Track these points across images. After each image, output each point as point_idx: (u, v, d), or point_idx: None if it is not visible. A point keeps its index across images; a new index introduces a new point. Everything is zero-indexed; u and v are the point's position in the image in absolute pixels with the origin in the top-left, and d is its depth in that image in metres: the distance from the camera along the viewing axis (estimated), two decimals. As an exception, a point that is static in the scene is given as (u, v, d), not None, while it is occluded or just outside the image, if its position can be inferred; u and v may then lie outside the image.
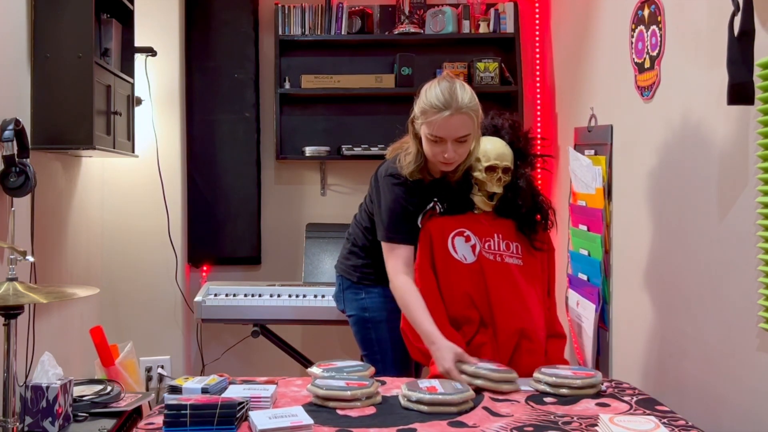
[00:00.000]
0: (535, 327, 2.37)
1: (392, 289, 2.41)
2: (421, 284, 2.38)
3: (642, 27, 2.47)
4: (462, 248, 2.41)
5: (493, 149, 2.44)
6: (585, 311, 2.91)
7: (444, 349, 2.22)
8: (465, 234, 2.42)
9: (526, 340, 2.34)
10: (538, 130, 3.82)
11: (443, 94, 2.28)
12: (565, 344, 2.54)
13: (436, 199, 2.51)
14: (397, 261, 2.40)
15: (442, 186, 2.50)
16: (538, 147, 2.55)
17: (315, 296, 3.26)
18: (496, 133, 2.53)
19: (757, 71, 1.73)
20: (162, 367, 3.51)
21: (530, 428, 1.80)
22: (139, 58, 3.31)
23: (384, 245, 2.46)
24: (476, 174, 2.44)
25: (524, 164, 2.51)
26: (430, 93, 2.31)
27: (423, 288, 2.37)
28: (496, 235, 2.44)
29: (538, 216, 2.50)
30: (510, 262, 2.42)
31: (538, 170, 2.54)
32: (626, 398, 2.06)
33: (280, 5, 3.79)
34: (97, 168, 3.38)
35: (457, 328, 2.38)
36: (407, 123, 2.43)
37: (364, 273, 2.66)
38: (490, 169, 2.42)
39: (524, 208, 2.44)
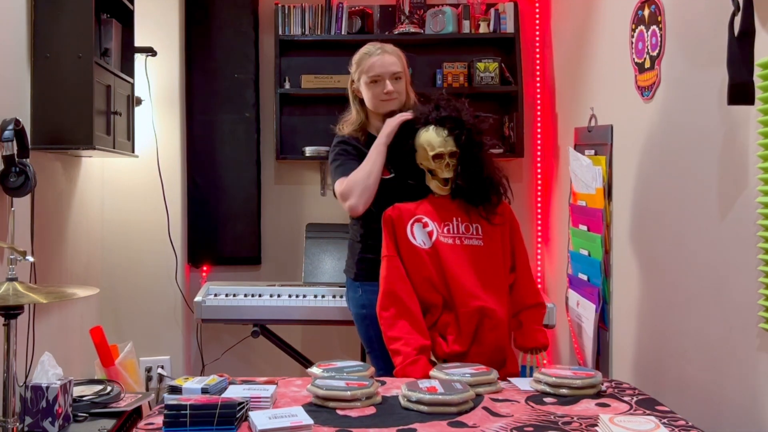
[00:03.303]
0: (494, 305, 2.42)
1: (352, 185, 2.53)
2: (390, 272, 2.44)
3: (642, 27, 2.47)
4: (420, 235, 2.48)
5: (436, 137, 2.47)
6: (585, 311, 2.91)
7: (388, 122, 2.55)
8: (423, 221, 2.49)
9: (487, 318, 2.40)
10: (539, 130, 3.83)
11: (370, 45, 2.73)
12: (543, 312, 2.58)
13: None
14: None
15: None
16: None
17: (315, 296, 3.26)
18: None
19: (757, 71, 1.73)
20: (162, 367, 3.51)
21: (530, 428, 1.80)
22: (139, 58, 3.31)
23: (336, 186, 2.60)
24: (425, 163, 2.50)
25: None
26: (360, 50, 2.72)
27: (393, 275, 2.44)
28: (455, 219, 2.50)
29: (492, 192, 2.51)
30: (470, 244, 2.48)
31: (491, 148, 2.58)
32: (626, 398, 2.06)
33: (280, 5, 3.79)
34: (97, 168, 3.38)
35: (424, 312, 2.45)
36: (348, 96, 2.76)
37: (361, 266, 2.68)
38: (438, 157, 2.47)
39: (476, 191, 2.48)
